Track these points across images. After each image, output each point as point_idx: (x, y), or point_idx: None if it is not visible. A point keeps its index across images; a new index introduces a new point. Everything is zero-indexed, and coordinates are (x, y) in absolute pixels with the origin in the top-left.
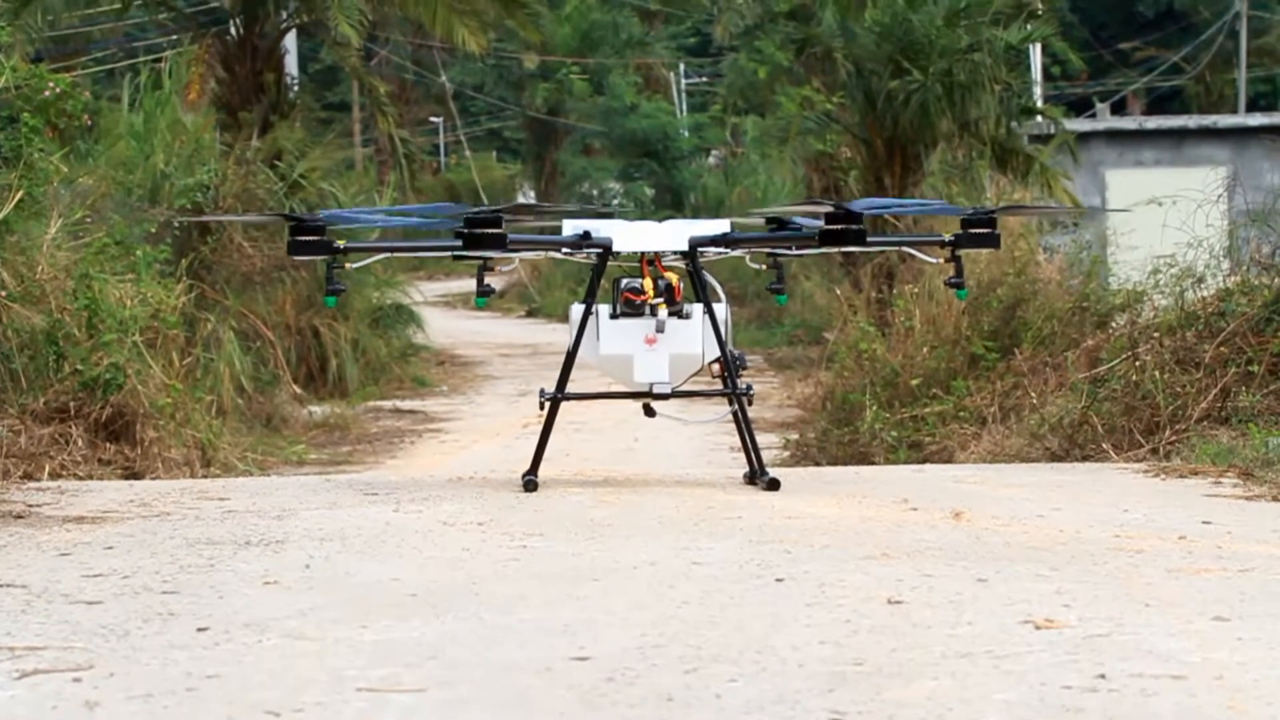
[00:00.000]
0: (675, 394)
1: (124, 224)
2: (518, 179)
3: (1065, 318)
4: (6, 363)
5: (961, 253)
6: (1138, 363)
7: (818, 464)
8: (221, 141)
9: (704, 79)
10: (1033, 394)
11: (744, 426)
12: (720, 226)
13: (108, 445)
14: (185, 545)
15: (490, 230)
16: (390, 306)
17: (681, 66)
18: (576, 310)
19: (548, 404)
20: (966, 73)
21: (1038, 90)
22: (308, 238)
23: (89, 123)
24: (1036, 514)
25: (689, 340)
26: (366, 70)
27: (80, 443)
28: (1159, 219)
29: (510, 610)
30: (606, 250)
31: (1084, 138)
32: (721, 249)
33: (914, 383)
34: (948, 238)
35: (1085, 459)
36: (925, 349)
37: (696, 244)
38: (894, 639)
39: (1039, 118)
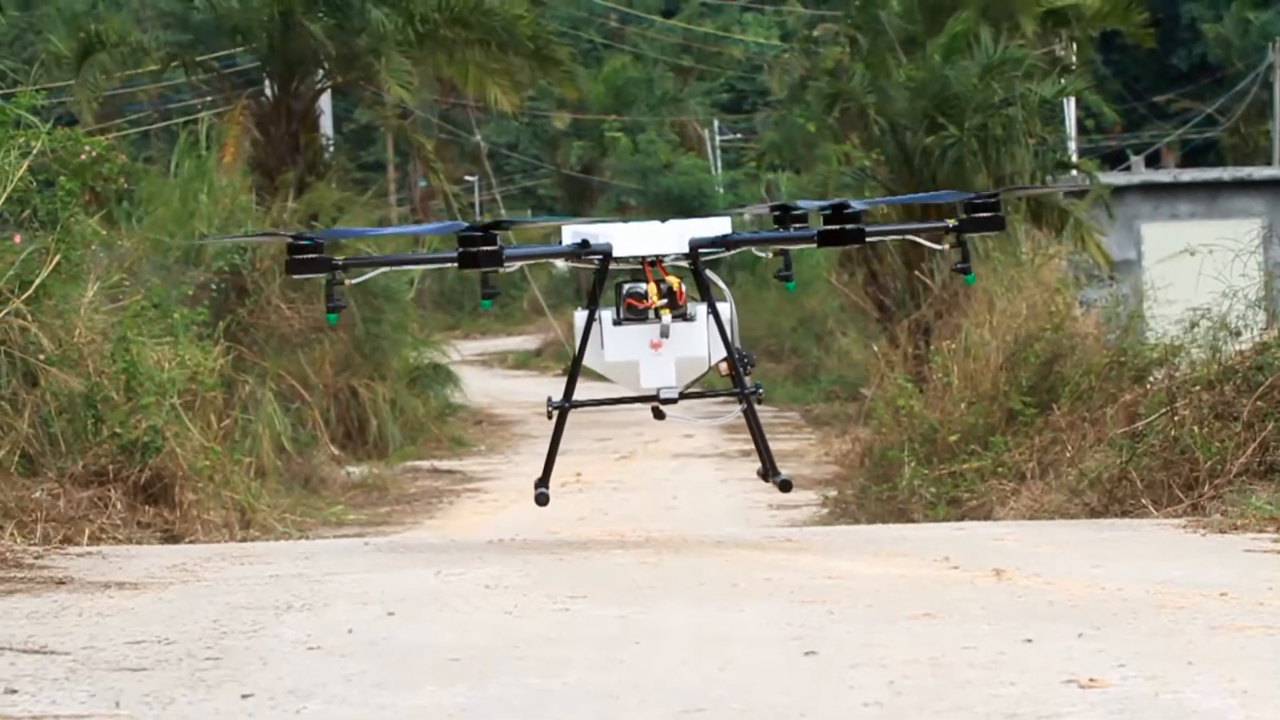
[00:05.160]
0: (683, 396)
1: (161, 286)
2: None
3: (1103, 372)
4: (45, 426)
5: (967, 238)
6: (1176, 417)
7: (856, 521)
8: (258, 203)
9: (738, 135)
10: (1071, 449)
11: (754, 425)
12: (721, 225)
13: (146, 508)
14: (227, 610)
15: (485, 249)
16: (428, 366)
17: (715, 123)
18: (580, 317)
19: (555, 413)
20: (1001, 127)
21: (1072, 144)
22: (306, 256)
23: (125, 185)
24: (1077, 571)
25: (694, 343)
26: (410, 129)
27: (119, 506)
28: (1195, 269)
29: (554, 674)
30: (607, 256)
31: (1119, 191)
32: (722, 250)
33: (952, 439)
34: (951, 223)
35: (1124, 514)
36: (963, 405)
37: (697, 245)
38: (937, 700)
39: (1074, 172)
